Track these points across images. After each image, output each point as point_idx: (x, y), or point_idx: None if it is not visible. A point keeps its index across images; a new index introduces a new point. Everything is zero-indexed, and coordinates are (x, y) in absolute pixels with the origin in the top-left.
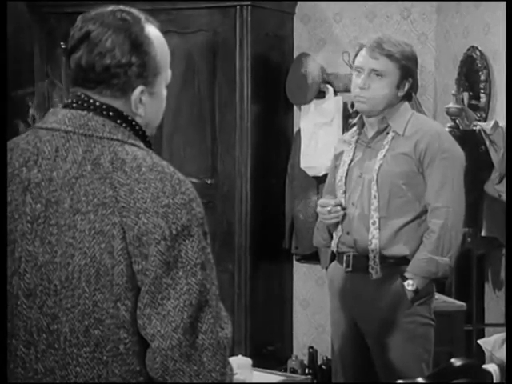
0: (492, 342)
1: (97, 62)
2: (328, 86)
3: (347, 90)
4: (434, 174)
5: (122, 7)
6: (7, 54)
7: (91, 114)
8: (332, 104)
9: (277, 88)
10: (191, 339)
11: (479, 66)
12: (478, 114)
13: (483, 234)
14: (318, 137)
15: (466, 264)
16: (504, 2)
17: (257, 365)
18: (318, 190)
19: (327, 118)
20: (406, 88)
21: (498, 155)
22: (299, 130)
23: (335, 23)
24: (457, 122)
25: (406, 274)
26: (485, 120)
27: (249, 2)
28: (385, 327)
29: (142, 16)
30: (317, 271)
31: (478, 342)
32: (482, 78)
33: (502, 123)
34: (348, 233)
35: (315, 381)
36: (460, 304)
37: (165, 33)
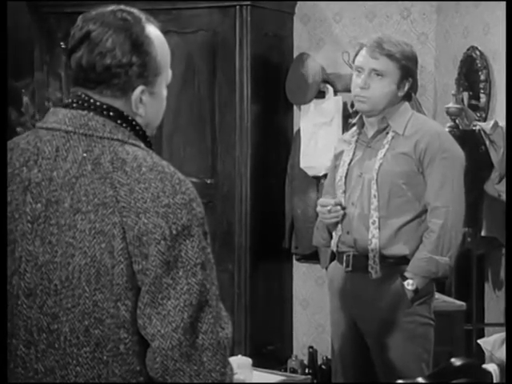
0: (492, 342)
1: (97, 61)
2: (328, 85)
3: (347, 90)
4: (434, 174)
5: (122, 7)
6: (7, 53)
7: (91, 113)
8: (332, 104)
9: (276, 88)
10: (191, 339)
11: (479, 65)
12: (478, 114)
13: (483, 233)
14: (318, 137)
15: (465, 264)
16: (503, 2)
17: (257, 364)
18: (318, 190)
19: (327, 118)
20: (406, 88)
21: (497, 155)
22: (299, 130)
23: (335, 23)
24: (457, 121)
25: (406, 274)
26: (484, 120)
27: (248, 2)
28: (385, 327)
29: (142, 16)
30: (317, 271)
31: (478, 341)
32: (482, 77)
33: (502, 123)
34: (348, 232)
35: (315, 381)
36: (460, 304)
37: (165, 33)
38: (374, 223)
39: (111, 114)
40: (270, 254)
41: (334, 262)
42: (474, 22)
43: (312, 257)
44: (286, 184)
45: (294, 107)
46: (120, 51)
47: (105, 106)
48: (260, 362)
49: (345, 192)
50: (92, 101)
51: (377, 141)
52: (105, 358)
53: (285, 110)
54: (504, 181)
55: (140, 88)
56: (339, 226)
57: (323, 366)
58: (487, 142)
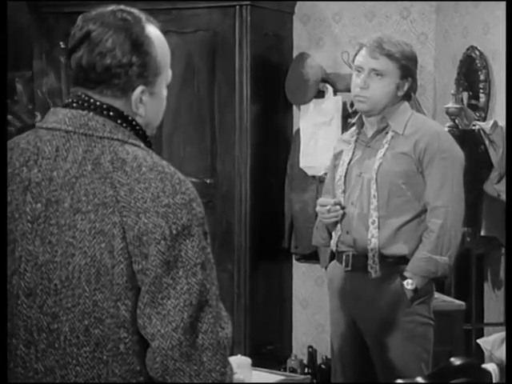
0: (491, 342)
1: (97, 61)
2: (327, 85)
3: (347, 90)
4: (434, 174)
5: (122, 7)
6: (7, 54)
7: (91, 113)
8: (331, 104)
9: (276, 88)
10: (191, 339)
11: (478, 65)
12: (478, 114)
13: (482, 233)
14: (318, 136)
15: (465, 263)
16: (503, 2)
17: (256, 364)
18: (318, 190)
19: (326, 118)
20: (406, 88)
21: (497, 155)
22: (298, 130)
23: (334, 23)
24: (456, 121)
25: (406, 274)
26: (484, 120)
27: (248, 2)
28: (384, 326)
29: (142, 16)
30: (316, 271)
31: (478, 341)
32: (482, 77)
33: (502, 123)
34: (347, 232)
35: (314, 380)
36: (459, 303)
37: (164, 33)
38: (373, 223)
39: (111, 113)
40: (270, 254)
41: (334, 262)
42: (473, 21)
43: (312, 256)
44: (286, 184)
45: (294, 107)
46: (120, 51)
47: (105, 106)
48: (259, 362)
49: (344, 192)
50: (92, 101)
51: (376, 140)
52: (105, 357)
53: (284, 109)
54: (503, 180)
55: (140, 88)
56: (339, 225)
57: (323, 366)
58: (487, 142)
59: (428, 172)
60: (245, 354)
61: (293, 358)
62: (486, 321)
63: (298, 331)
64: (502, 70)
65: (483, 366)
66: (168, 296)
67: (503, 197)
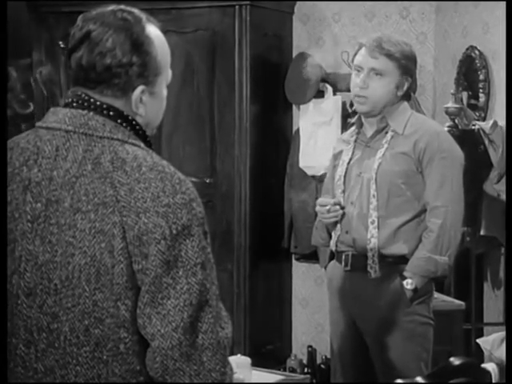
0: (491, 341)
1: (97, 61)
2: (327, 85)
3: (346, 90)
4: (433, 174)
5: (123, 7)
6: (7, 53)
7: (91, 113)
8: (331, 103)
9: (276, 87)
10: (191, 339)
11: (478, 65)
12: (477, 114)
13: (482, 233)
14: (317, 136)
15: (464, 263)
16: (503, 2)
17: (256, 364)
18: (317, 189)
19: (326, 118)
20: (405, 87)
21: (496, 154)
22: (298, 130)
23: (334, 23)
24: (456, 121)
25: (405, 273)
26: (484, 119)
27: (248, 2)
28: (384, 326)
29: (143, 16)
30: (316, 270)
31: (477, 341)
32: (481, 77)
33: (501, 122)
34: (347, 232)
35: (314, 380)
36: (459, 303)
37: (164, 32)
38: (373, 223)
39: (111, 113)
40: (270, 254)
41: (333, 262)
42: (473, 21)
43: (311, 256)
44: (286, 183)
45: (294, 107)
46: (120, 51)
47: (105, 106)
48: (259, 362)
49: (344, 191)
50: (92, 100)
51: (376, 140)
52: (105, 357)
53: (284, 109)
54: (503, 180)
55: (140, 88)
56: (338, 225)
57: (322, 366)
58: (486, 142)
59: (428, 172)
60: (244, 354)
61: (292, 357)
62: (485, 320)
63: (297, 331)
64: (502, 70)
65: (483, 365)
66: (168, 296)
67: (503, 196)
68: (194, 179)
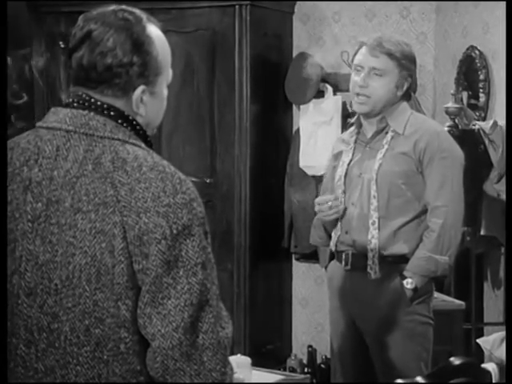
0: (491, 341)
1: (98, 61)
2: (327, 85)
3: (346, 90)
4: (434, 174)
5: (123, 7)
6: (6, 53)
7: (92, 113)
8: (331, 103)
9: (276, 87)
10: (192, 339)
11: (478, 65)
12: (477, 114)
13: (482, 232)
14: (317, 136)
15: (465, 263)
16: (503, 2)
17: (256, 364)
18: (317, 189)
19: (326, 117)
20: (405, 88)
21: (496, 154)
22: (298, 130)
23: (334, 22)
24: (456, 121)
25: (405, 273)
26: (484, 119)
27: (248, 2)
28: (384, 326)
29: (143, 16)
30: (316, 270)
31: (477, 340)
32: (481, 77)
33: (501, 122)
34: (346, 232)
35: (314, 380)
36: (459, 303)
37: (164, 32)
38: (373, 224)
39: (112, 113)
40: (270, 254)
41: (334, 261)
42: (473, 21)
43: (311, 256)
44: (286, 183)
45: (294, 106)
46: (121, 51)
47: (105, 106)
48: (259, 362)
49: (344, 192)
50: (93, 100)
51: (376, 141)
52: (105, 357)
53: (284, 109)
54: (503, 180)
55: (141, 88)
56: (338, 225)
57: (322, 365)
58: (486, 142)
59: (428, 172)
60: (245, 354)
61: (292, 357)
62: (485, 320)
63: (297, 331)
64: (502, 70)
65: (483, 365)
66: (168, 296)
67: (503, 196)
68: (194, 179)
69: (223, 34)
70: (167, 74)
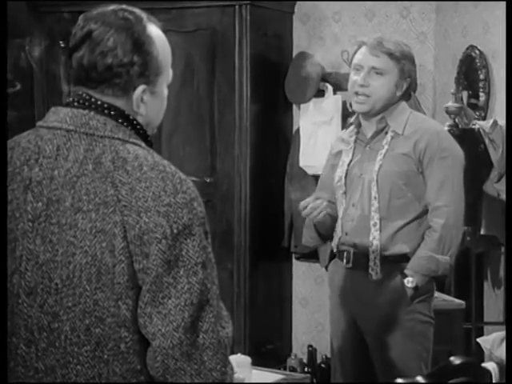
0: (491, 341)
1: (99, 61)
2: (327, 84)
3: (346, 89)
4: (434, 174)
5: (124, 6)
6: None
7: (92, 112)
8: (331, 103)
9: (276, 87)
10: (192, 338)
11: (478, 64)
12: (477, 113)
13: (482, 232)
14: (318, 135)
15: (465, 262)
16: (503, 2)
17: (256, 363)
18: None
19: (326, 117)
20: (405, 87)
21: (497, 154)
22: (298, 129)
23: (334, 22)
24: (456, 120)
25: (406, 272)
26: (484, 119)
27: (248, 1)
28: (384, 325)
29: (144, 15)
30: (316, 270)
31: (477, 340)
32: (481, 76)
33: (501, 122)
34: (347, 233)
35: (314, 379)
36: (459, 302)
37: (164, 32)
38: (375, 225)
39: (112, 113)
40: (270, 253)
41: (335, 260)
42: (473, 21)
43: (311, 256)
44: (286, 183)
45: (294, 106)
46: (121, 50)
47: (106, 105)
48: (259, 361)
49: (345, 193)
50: (93, 100)
51: (376, 141)
52: (105, 356)
53: (284, 109)
54: (503, 179)
55: (141, 87)
56: (339, 227)
57: (322, 365)
58: (486, 141)
59: (428, 172)
60: (245, 353)
61: (293, 357)
62: (485, 320)
63: (297, 330)
64: (502, 69)
65: (483, 365)
66: (169, 295)
67: (503, 196)
68: (194, 179)
69: (223, 34)
70: (167, 74)
